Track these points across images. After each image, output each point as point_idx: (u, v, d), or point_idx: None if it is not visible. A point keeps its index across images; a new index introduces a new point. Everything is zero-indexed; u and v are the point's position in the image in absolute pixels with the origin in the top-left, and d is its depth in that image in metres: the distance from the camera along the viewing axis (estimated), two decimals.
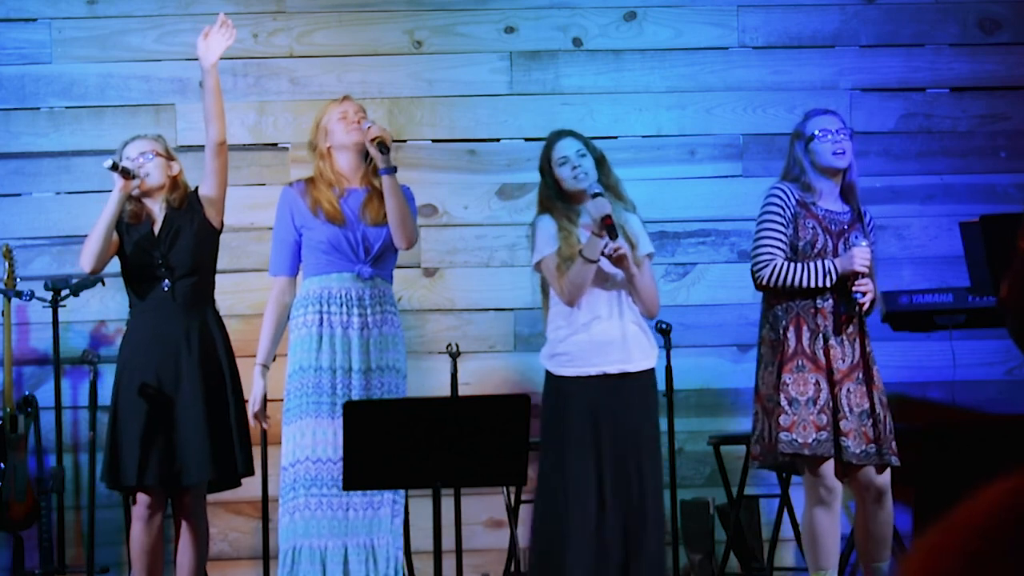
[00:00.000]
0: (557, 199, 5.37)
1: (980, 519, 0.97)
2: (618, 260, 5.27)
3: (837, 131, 5.34)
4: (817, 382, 5.24)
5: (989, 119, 6.87)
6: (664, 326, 5.96)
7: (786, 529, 6.29)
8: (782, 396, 5.23)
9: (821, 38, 6.84)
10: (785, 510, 6.22)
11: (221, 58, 5.40)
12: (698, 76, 6.79)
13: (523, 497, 6.31)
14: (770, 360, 5.34)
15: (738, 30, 6.81)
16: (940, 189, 6.83)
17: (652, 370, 5.40)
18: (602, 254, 5.22)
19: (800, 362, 5.25)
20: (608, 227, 5.14)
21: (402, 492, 5.35)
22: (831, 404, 5.24)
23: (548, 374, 5.39)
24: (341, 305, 5.35)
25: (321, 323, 5.35)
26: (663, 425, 6.11)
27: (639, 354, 5.35)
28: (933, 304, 6.18)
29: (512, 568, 6.25)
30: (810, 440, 5.20)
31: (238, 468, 5.38)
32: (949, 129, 6.87)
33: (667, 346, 6.01)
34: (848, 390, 5.25)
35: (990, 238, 5.75)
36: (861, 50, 6.85)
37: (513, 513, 6.24)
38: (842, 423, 5.22)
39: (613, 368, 5.30)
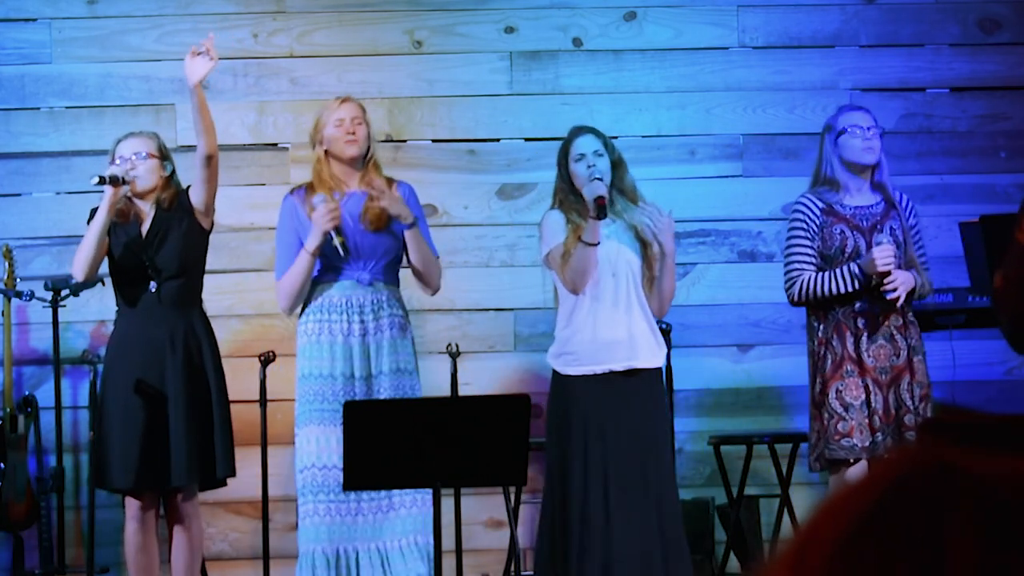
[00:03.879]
0: (570, 193, 5.37)
1: (835, 531, 0.97)
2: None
3: (867, 128, 5.37)
4: (867, 385, 5.25)
5: (989, 119, 6.87)
6: (664, 326, 5.96)
7: (786, 529, 6.29)
8: (837, 403, 5.25)
9: (821, 38, 6.83)
10: (785, 510, 6.22)
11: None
12: (698, 76, 6.79)
13: (523, 497, 6.31)
14: (813, 370, 5.37)
15: (738, 30, 6.81)
16: (940, 189, 6.83)
17: (659, 370, 5.40)
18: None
19: (848, 367, 5.26)
20: (599, 207, 5.15)
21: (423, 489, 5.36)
22: (887, 403, 5.25)
23: (555, 373, 5.38)
24: (342, 313, 5.34)
25: (321, 332, 5.34)
26: None
27: (646, 352, 5.34)
28: (933, 304, 6.17)
29: (512, 568, 6.25)
30: (867, 444, 5.22)
31: (218, 470, 5.37)
32: (949, 129, 6.87)
33: (667, 346, 6.01)
34: (908, 384, 5.27)
35: (990, 238, 5.74)
36: (861, 50, 6.85)
37: (513, 513, 6.24)
38: (907, 418, 5.24)
39: (620, 366, 5.29)
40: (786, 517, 6.23)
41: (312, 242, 5.25)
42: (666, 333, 5.97)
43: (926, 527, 0.94)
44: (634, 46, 6.78)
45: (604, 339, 5.28)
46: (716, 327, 6.72)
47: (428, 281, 5.49)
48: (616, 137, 6.66)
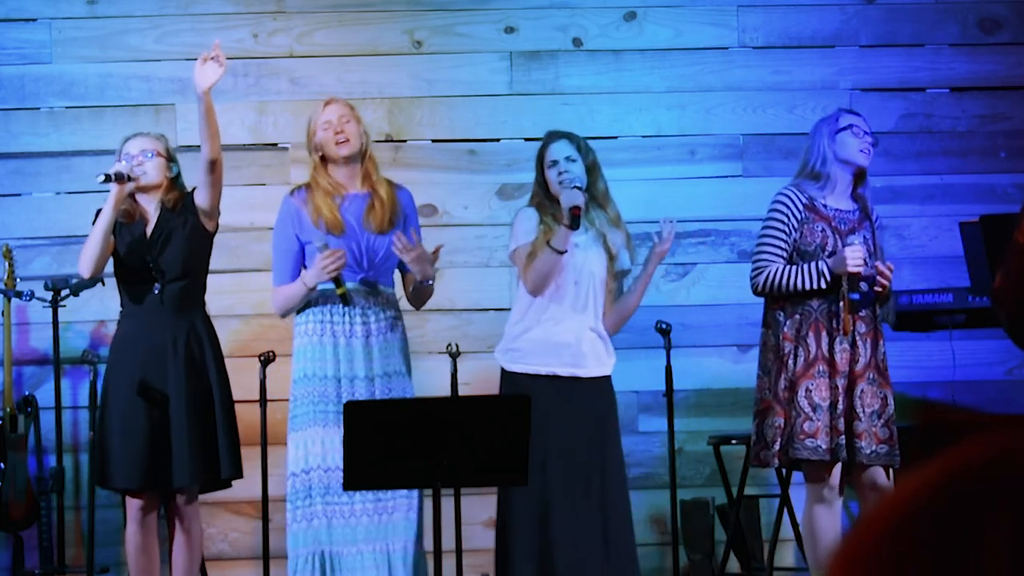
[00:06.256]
0: (545, 197, 5.38)
1: (896, 517, 0.97)
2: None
3: (866, 133, 5.40)
4: (836, 386, 5.24)
5: (989, 119, 6.87)
6: (664, 326, 5.96)
7: (786, 529, 6.29)
8: (805, 402, 5.23)
9: (821, 38, 6.84)
10: (785, 510, 6.22)
11: None
12: (698, 76, 6.79)
13: None
14: (778, 365, 5.34)
15: (738, 30, 6.81)
16: (940, 189, 6.83)
17: (608, 377, 5.39)
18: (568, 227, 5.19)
19: (821, 367, 5.26)
20: (573, 217, 5.15)
21: (415, 490, 5.35)
22: (848, 407, 5.26)
23: (503, 370, 5.41)
24: (344, 315, 5.32)
25: (323, 332, 5.32)
26: (662, 425, 6.12)
27: (593, 360, 5.34)
28: (933, 304, 6.18)
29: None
30: (832, 445, 5.22)
31: (222, 471, 5.36)
32: (949, 129, 6.87)
33: (667, 346, 6.00)
34: (862, 391, 5.27)
35: (990, 238, 5.75)
36: (861, 50, 6.85)
37: None
38: (856, 424, 5.24)
39: (564, 371, 5.30)
40: (786, 517, 6.23)
41: (312, 280, 5.25)
42: (666, 333, 5.97)
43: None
44: (634, 46, 6.78)
45: (552, 341, 5.29)
46: (716, 327, 6.72)
47: (414, 306, 5.59)
48: (616, 137, 6.68)
